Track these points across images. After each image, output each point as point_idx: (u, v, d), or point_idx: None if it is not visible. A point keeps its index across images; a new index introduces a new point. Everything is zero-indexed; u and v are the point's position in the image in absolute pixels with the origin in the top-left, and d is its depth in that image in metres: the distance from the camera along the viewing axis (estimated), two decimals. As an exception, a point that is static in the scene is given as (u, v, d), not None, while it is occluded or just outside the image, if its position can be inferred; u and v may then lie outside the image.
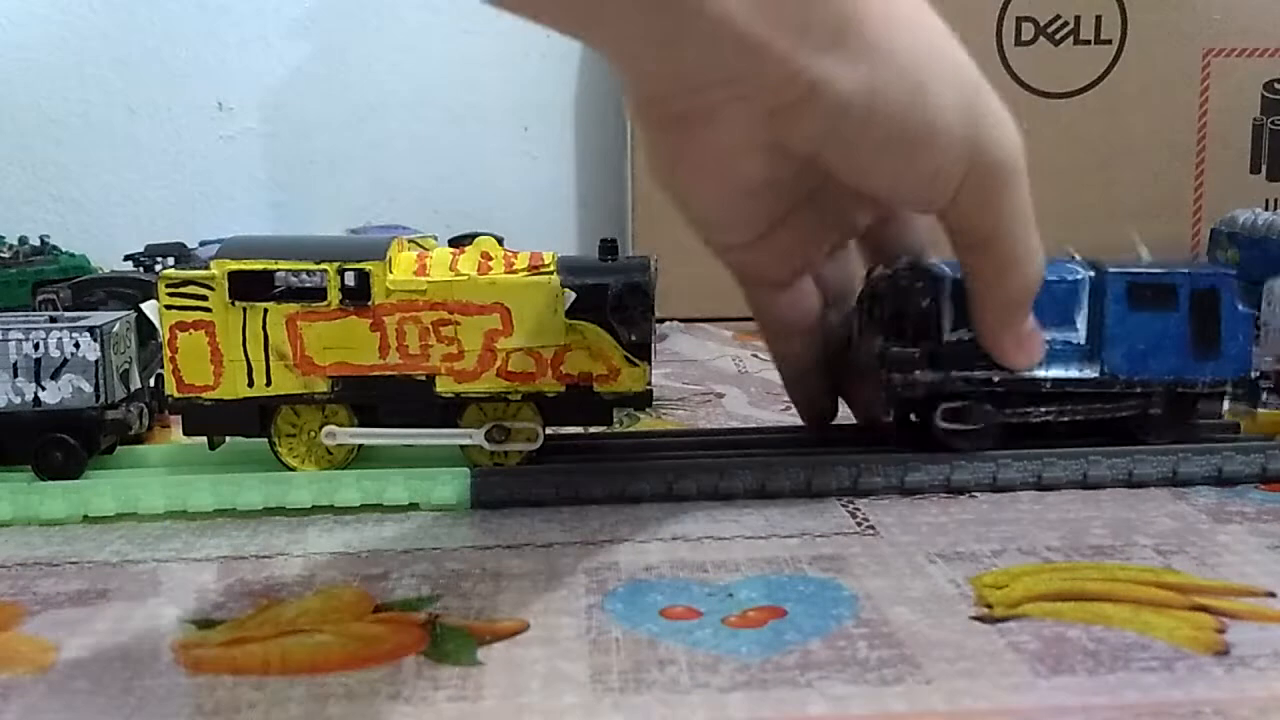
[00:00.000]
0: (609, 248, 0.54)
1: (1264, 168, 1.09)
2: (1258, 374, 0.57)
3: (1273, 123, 1.08)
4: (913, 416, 0.55)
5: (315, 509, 0.51)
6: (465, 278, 0.51)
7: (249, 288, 0.51)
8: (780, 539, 0.47)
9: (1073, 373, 0.54)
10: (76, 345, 0.51)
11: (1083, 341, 0.54)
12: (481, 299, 0.51)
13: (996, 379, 0.53)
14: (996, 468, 0.53)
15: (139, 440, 0.62)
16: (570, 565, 0.45)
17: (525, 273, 0.51)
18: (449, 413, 0.52)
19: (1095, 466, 0.53)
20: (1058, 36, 1.06)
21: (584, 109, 1.23)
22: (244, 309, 0.50)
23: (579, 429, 0.57)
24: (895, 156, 0.43)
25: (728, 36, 0.38)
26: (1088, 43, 1.06)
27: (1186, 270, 0.54)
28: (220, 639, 0.39)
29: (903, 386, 0.53)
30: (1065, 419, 0.55)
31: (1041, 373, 0.54)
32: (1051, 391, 0.54)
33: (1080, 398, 0.54)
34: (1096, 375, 0.54)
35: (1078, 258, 0.56)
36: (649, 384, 0.52)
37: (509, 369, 0.51)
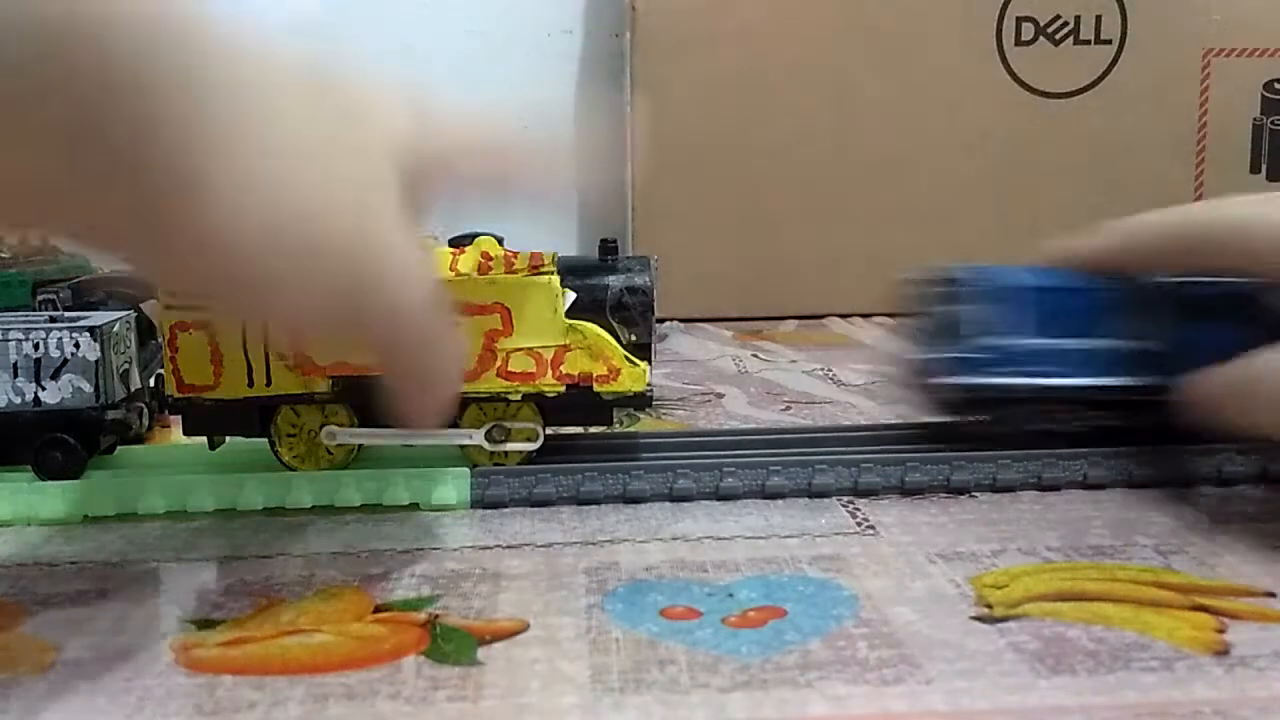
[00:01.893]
0: (609, 248, 0.54)
1: (1264, 168, 1.09)
2: None
3: (1273, 123, 1.08)
4: (957, 418, 0.56)
5: (315, 509, 0.51)
6: (465, 277, 0.51)
7: None
8: (780, 539, 0.47)
9: (1121, 380, 0.54)
10: (76, 345, 0.51)
11: (1132, 349, 0.54)
12: (481, 299, 0.51)
13: (1040, 385, 0.53)
14: (996, 468, 0.53)
15: (139, 440, 0.62)
16: (570, 565, 0.45)
17: (525, 273, 0.51)
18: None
19: (1095, 466, 0.53)
20: (1058, 36, 1.06)
21: (584, 109, 1.22)
22: None
23: (579, 429, 0.57)
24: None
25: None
26: (1088, 43, 1.06)
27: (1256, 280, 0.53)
28: (220, 639, 0.39)
29: (942, 391, 0.54)
30: (1110, 425, 0.54)
31: (1088, 380, 0.54)
32: (1097, 399, 0.54)
33: (1127, 405, 0.54)
34: (1145, 384, 0.53)
35: None
36: (649, 384, 0.52)
37: (509, 369, 0.51)
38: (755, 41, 1.04)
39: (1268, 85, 1.08)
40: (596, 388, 0.51)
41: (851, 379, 0.79)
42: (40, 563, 0.46)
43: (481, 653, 0.37)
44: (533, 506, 0.52)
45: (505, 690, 0.35)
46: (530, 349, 0.51)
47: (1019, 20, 1.06)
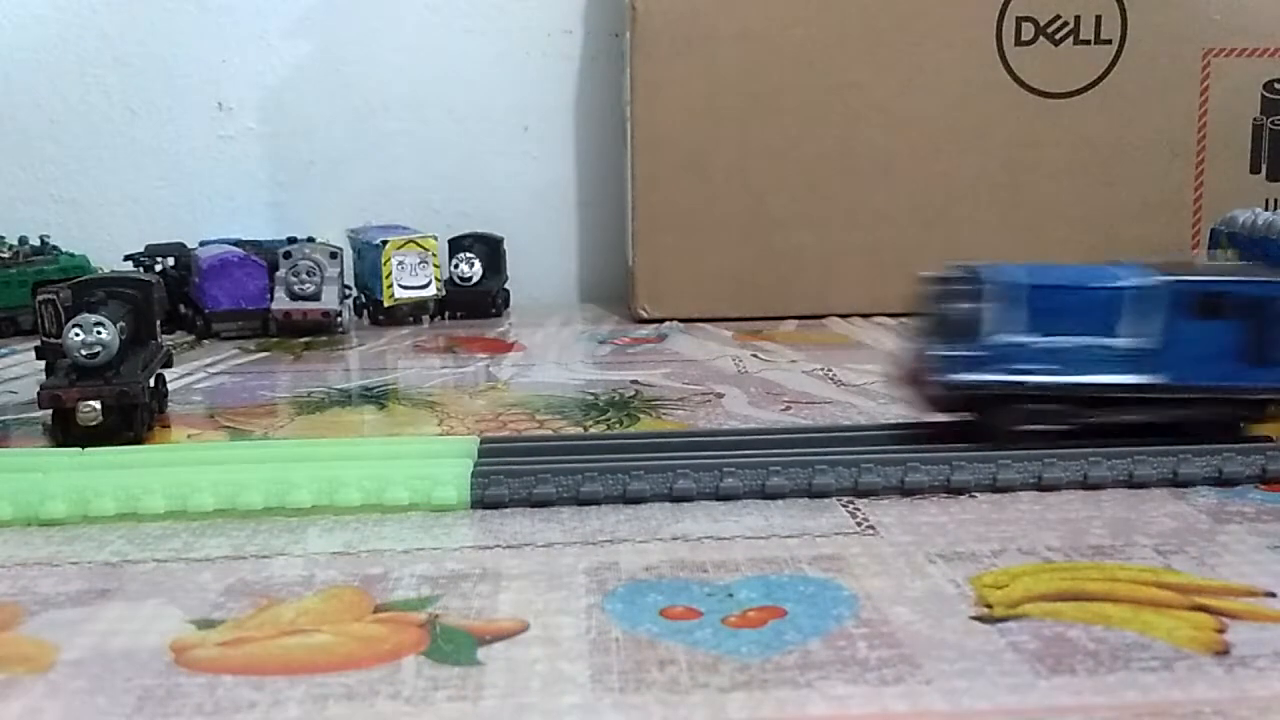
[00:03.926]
0: None
1: (1264, 168, 1.09)
2: None
3: (1273, 123, 1.08)
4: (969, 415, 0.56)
5: (315, 509, 0.51)
6: None
7: None
8: (780, 539, 0.47)
9: (1129, 378, 0.54)
10: None
11: (1142, 348, 0.54)
12: None
13: (1043, 382, 0.54)
14: (996, 468, 0.53)
15: (139, 440, 0.62)
16: (570, 565, 0.45)
17: None
18: None
19: (1095, 466, 0.53)
20: (1058, 36, 1.06)
21: (584, 109, 1.22)
22: None
23: (579, 428, 0.57)
24: None
25: None
26: (1088, 43, 1.06)
27: (1249, 279, 0.54)
28: (220, 639, 0.39)
29: (946, 387, 0.54)
30: (1117, 421, 0.55)
31: (1096, 378, 0.54)
32: (1102, 396, 0.54)
33: (1133, 403, 0.54)
34: (1152, 381, 0.54)
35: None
36: None
37: None
38: (755, 41, 1.04)
39: (1268, 85, 1.08)
40: None
41: (851, 379, 0.79)
42: (40, 563, 0.46)
43: (481, 653, 0.37)
44: (533, 506, 0.52)
45: (505, 690, 0.35)
46: None
47: (1019, 20, 1.06)
